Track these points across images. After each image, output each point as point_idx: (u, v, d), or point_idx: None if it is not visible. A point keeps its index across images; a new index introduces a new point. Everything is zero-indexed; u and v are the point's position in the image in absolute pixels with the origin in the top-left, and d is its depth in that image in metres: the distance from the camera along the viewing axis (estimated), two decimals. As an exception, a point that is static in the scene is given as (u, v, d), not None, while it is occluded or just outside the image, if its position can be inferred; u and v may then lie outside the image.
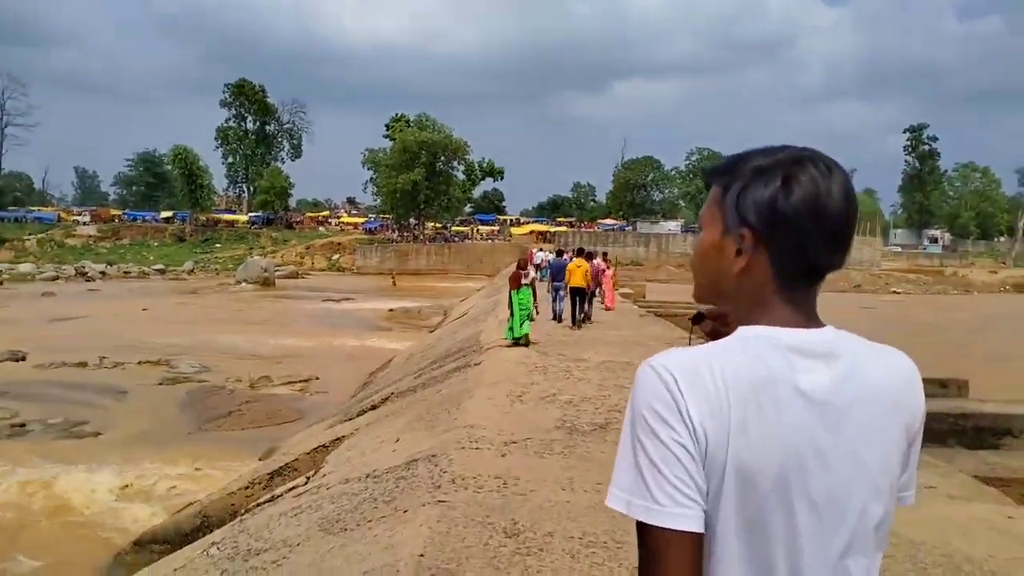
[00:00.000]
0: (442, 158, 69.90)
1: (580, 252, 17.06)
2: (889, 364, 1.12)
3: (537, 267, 25.97)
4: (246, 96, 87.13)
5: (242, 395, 15.99)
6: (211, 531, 7.14)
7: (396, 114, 79.87)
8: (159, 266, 59.71)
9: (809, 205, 1.07)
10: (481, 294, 33.12)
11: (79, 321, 27.54)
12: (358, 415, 10.39)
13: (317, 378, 17.82)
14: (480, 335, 14.63)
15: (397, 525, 4.25)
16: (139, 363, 19.15)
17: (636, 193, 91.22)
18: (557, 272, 16.62)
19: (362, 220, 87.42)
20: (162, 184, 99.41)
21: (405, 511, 4.49)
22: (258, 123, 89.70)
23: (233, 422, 13.94)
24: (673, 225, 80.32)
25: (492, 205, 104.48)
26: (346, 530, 4.50)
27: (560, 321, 15.88)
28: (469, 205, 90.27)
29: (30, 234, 69.55)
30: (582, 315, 15.59)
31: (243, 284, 46.82)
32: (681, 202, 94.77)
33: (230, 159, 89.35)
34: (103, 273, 54.17)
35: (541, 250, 36.73)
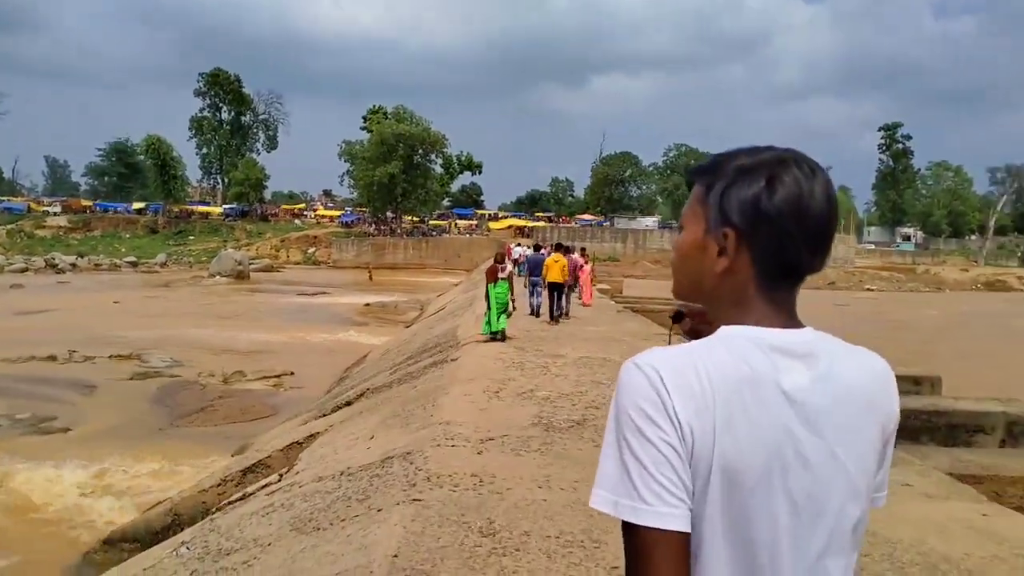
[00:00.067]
0: (420, 151, 69.45)
1: (559, 247, 17.02)
2: (864, 365, 1.12)
3: (515, 262, 25.93)
4: (221, 86, 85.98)
5: (215, 390, 15.78)
6: (182, 529, 7.02)
7: (373, 106, 79.26)
8: (131, 258, 58.77)
9: (792, 206, 1.07)
10: (459, 289, 33.03)
11: (48, 314, 27.05)
12: (333, 411, 10.28)
13: (292, 373, 17.63)
14: (457, 330, 14.55)
15: (371, 525, 4.17)
16: (110, 357, 18.84)
17: (614, 189, 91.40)
18: (535, 267, 16.60)
19: (338, 213, 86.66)
20: (135, 175, 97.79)
21: (379, 510, 4.42)
22: (233, 113, 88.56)
23: (205, 418, 13.75)
24: (650, 221, 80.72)
25: (470, 199, 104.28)
26: (319, 529, 4.41)
27: (537, 316, 15.86)
28: (447, 199, 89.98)
29: (-1, 225, 68.29)
30: (560, 311, 15.56)
31: (217, 277, 46.27)
32: (658, 198, 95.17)
33: (204, 150, 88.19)
34: (74, 265, 53.19)
35: (519, 245, 36.64)
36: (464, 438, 5.96)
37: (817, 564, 1.06)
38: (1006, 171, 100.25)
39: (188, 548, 5.01)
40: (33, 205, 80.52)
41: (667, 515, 0.98)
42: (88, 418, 13.55)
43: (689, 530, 1.00)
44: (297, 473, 6.53)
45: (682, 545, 0.99)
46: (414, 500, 4.43)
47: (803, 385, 1.05)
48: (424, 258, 65.16)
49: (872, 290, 53.72)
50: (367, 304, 34.57)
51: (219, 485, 7.89)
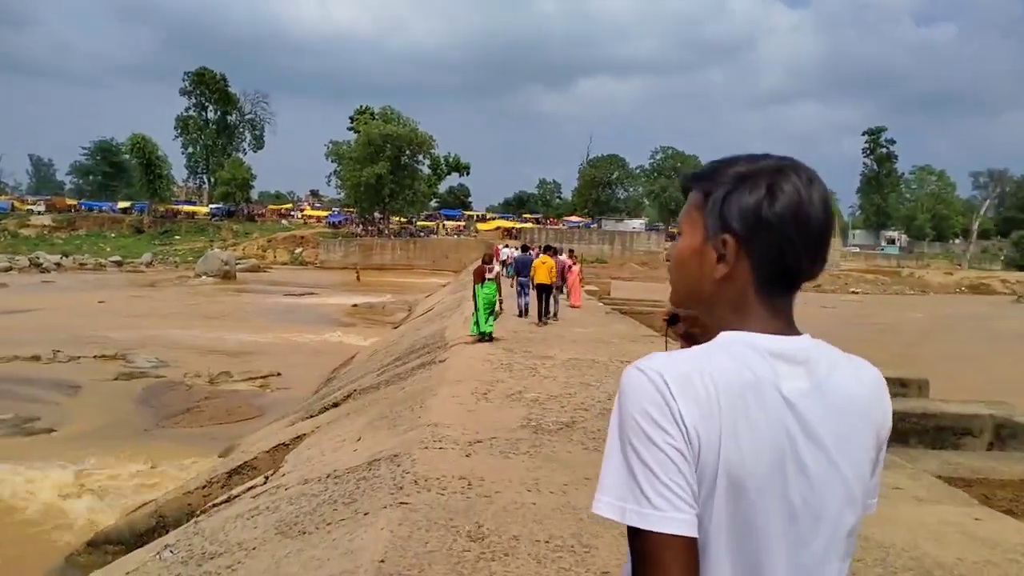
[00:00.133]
0: (407, 152, 69.27)
1: (547, 249, 17.02)
2: (860, 373, 1.13)
3: (503, 263, 25.89)
4: (207, 85, 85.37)
5: (201, 391, 15.64)
6: (167, 531, 6.93)
7: (361, 106, 78.99)
8: (116, 258, 58.29)
9: (792, 213, 1.08)
10: (446, 290, 32.94)
11: (32, 314, 26.74)
12: (320, 413, 10.19)
13: (278, 374, 17.50)
14: (445, 331, 14.50)
15: (357, 529, 4.11)
16: (94, 357, 18.65)
17: (601, 191, 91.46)
18: (523, 267, 16.59)
19: (326, 213, 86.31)
20: (120, 174, 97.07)
21: (366, 514, 4.36)
22: (219, 113, 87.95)
23: (191, 419, 13.62)
24: (637, 223, 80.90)
25: (458, 200, 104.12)
26: (304, 533, 4.34)
27: (525, 316, 15.83)
28: (435, 200, 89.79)
29: (-19, 224, 67.53)
30: (549, 313, 15.54)
31: (203, 277, 45.99)
32: (645, 200, 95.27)
33: (190, 149, 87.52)
34: (58, 264, 52.74)
35: (507, 246, 36.61)
36: (452, 440, 5.91)
37: (814, 570, 1.06)
38: (988, 175, 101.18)
39: (172, 551, 4.93)
40: (17, 204, 79.63)
41: (677, 520, 0.97)
42: (72, 419, 13.39)
43: (697, 535, 0.98)
44: (283, 475, 6.46)
45: (691, 550, 0.98)
46: (401, 503, 4.37)
47: (803, 392, 1.05)
48: (412, 259, 65.02)
49: (857, 293, 54.05)
50: (355, 305, 34.44)
51: (204, 487, 7.79)
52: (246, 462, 8.03)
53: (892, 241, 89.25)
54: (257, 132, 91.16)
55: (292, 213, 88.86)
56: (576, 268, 20.29)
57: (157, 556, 5.00)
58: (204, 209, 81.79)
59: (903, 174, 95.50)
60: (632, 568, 1.00)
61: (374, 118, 74.02)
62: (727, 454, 0.99)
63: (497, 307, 12.70)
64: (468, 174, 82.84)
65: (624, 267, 62.44)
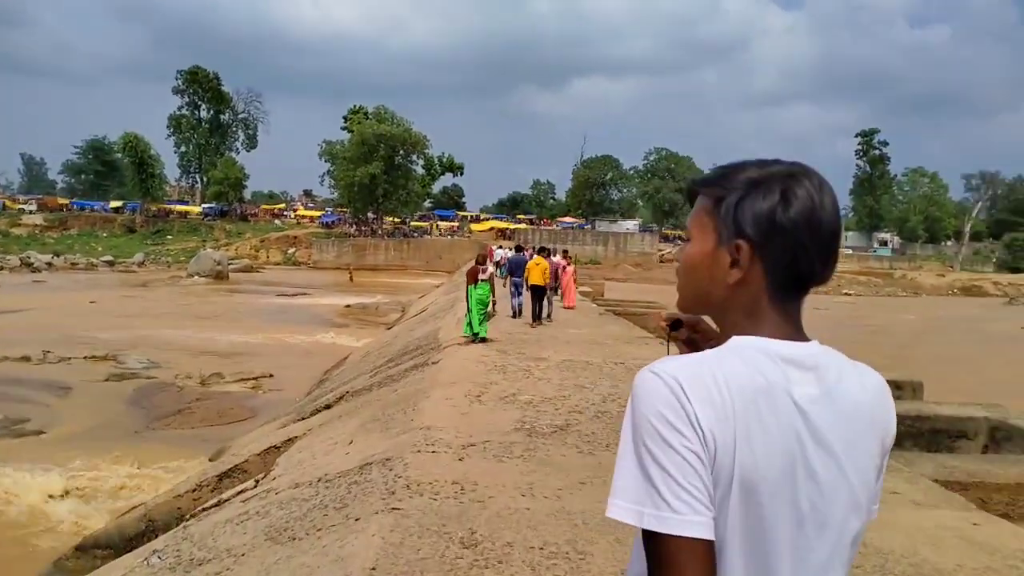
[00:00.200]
0: (401, 152, 69.19)
1: (541, 250, 16.99)
2: (866, 380, 1.14)
3: (497, 264, 25.83)
4: (200, 84, 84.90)
5: (192, 392, 15.54)
6: (156, 536, 6.85)
7: (354, 106, 78.79)
8: (108, 258, 57.96)
9: (806, 218, 1.09)
10: (440, 291, 32.87)
11: (23, 314, 26.54)
12: (312, 415, 10.11)
13: (271, 375, 17.41)
14: (439, 332, 14.43)
15: (348, 535, 4.04)
16: (85, 358, 18.52)
17: (595, 192, 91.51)
18: (516, 268, 16.54)
19: (319, 213, 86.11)
20: (112, 173, 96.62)
21: (357, 519, 4.29)
22: (212, 112, 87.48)
23: (182, 420, 13.51)
24: (631, 224, 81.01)
25: (452, 201, 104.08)
26: (294, 539, 4.27)
27: (519, 317, 15.78)
28: (428, 200, 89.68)
29: (-28, 223, 67.09)
30: (543, 313, 15.48)
31: (195, 277, 45.81)
32: (639, 201, 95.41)
33: (183, 148, 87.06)
34: (49, 264, 52.38)
35: (501, 247, 36.57)
36: (445, 444, 5.84)
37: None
38: (980, 178, 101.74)
39: (160, 557, 4.85)
40: (8, 203, 79.20)
41: (696, 523, 0.97)
42: (62, 420, 13.29)
43: (714, 538, 0.98)
44: (274, 479, 6.38)
45: (709, 553, 0.98)
46: (393, 509, 4.30)
47: (813, 398, 1.06)
48: (405, 259, 64.89)
49: (850, 295, 54.17)
50: (347, 305, 34.35)
51: (194, 490, 7.71)
52: (237, 465, 7.94)
53: (885, 243, 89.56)
54: (250, 131, 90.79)
55: (285, 213, 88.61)
56: (571, 269, 20.25)
57: (145, 562, 4.92)
58: (197, 209, 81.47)
59: (896, 176, 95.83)
60: (649, 572, 0.99)
61: (368, 118, 73.85)
62: (742, 457, 1.00)
63: (490, 308, 12.65)
64: (462, 174, 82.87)
65: (618, 268, 62.48)
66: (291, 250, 68.14)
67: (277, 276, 51.97)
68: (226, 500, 6.41)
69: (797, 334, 1.12)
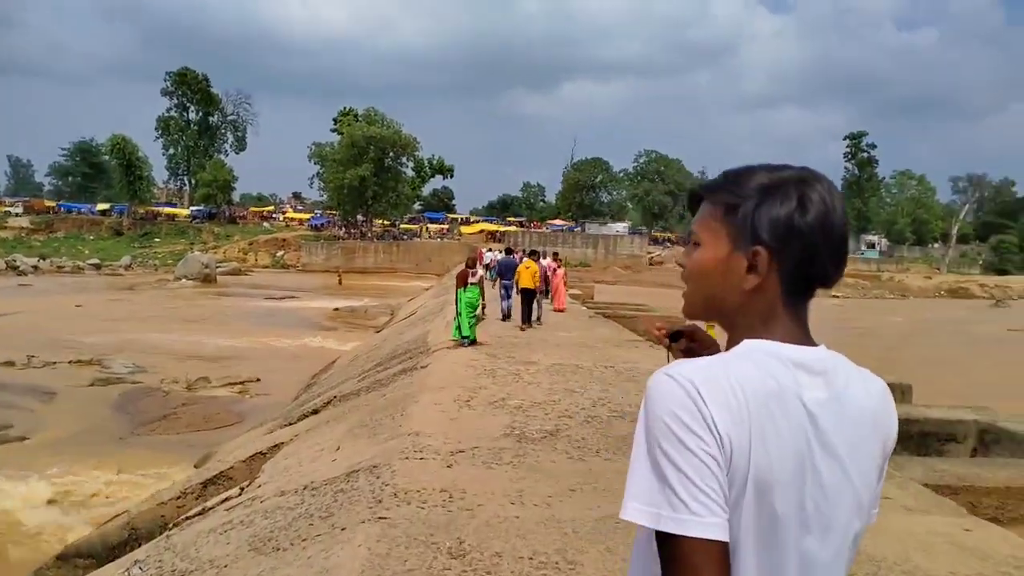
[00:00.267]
0: (391, 154, 69.03)
1: (532, 254, 16.95)
2: (869, 386, 1.14)
3: (487, 267, 25.77)
4: (188, 85, 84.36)
5: (178, 397, 15.39)
6: (139, 545, 6.74)
7: (344, 108, 78.48)
8: (95, 261, 57.61)
9: (820, 222, 1.11)
10: (429, 293, 32.75)
11: (8, 317, 26.25)
12: (299, 420, 10.00)
13: (258, 380, 17.27)
14: (428, 336, 14.34)
15: (333, 545, 3.96)
16: (70, 363, 18.33)
17: (585, 194, 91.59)
18: (506, 270, 16.50)
19: (308, 216, 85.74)
20: (99, 175, 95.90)
21: (343, 529, 4.21)
22: (201, 113, 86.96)
23: (168, 426, 13.37)
24: (621, 227, 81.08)
25: (442, 203, 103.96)
26: (278, 550, 4.19)
27: (508, 319, 15.73)
28: (418, 203, 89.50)
29: (-43, 225, 66.51)
30: (533, 316, 15.43)
31: (183, 280, 45.51)
32: (629, 204, 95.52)
33: (171, 150, 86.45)
34: (35, 267, 52.00)
35: (491, 250, 36.50)
36: (433, 450, 5.77)
37: None
38: (967, 180, 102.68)
39: (141, 568, 4.76)
40: (-6, 206, 78.56)
41: (714, 525, 0.97)
42: (47, 426, 13.14)
43: (729, 540, 0.99)
44: (259, 487, 6.28)
45: (725, 555, 0.98)
46: (380, 518, 4.23)
47: (822, 402, 1.07)
48: (395, 262, 64.71)
49: (838, 297, 54.32)
50: (336, 309, 34.21)
51: (179, 498, 7.59)
52: (222, 472, 7.83)
53: (872, 245, 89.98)
54: (239, 133, 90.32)
55: (274, 215, 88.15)
56: (561, 272, 20.20)
57: (126, 573, 4.83)
58: (185, 211, 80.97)
59: (884, 178, 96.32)
60: (664, 574, 0.99)
61: (357, 120, 73.63)
62: (756, 459, 1.00)
63: (480, 311, 12.59)
64: (452, 176, 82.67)
65: (607, 271, 62.52)
66: (280, 253, 67.83)
67: (265, 279, 51.69)
68: (210, 508, 6.31)
69: (806, 338, 1.13)
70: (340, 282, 49.97)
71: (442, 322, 15.68)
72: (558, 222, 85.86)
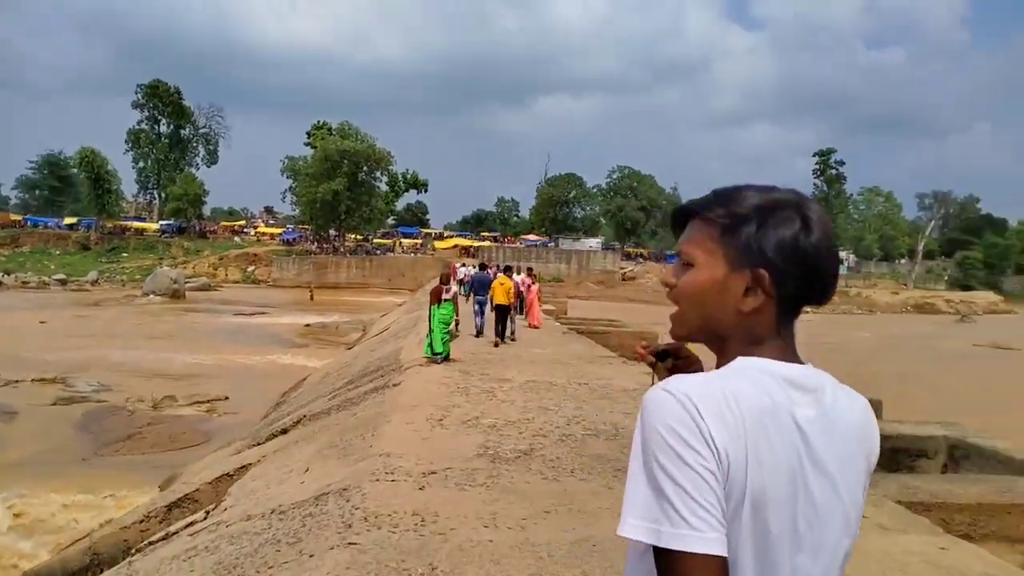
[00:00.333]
0: (364, 168, 68.76)
1: (506, 269, 16.90)
2: (854, 403, 1.15)
3: (460, 282, 25.67)
4: (160, 98, 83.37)
5: (144, 416, 15.08)
6: (101, 571, 6.56)
7: (318, 121, 78.00)
8: (60, 276, 56.57)
9: (822, 243, 1.12)
10: (403, 309, 32.54)
11: (-33, 334, 25.68)
12: (267, 440, 9.80)
13: (226, 398, 16.99)
14: (400, 352, 14.19)
15: (301, 573, 3.84)
16: (33, 381, 17.94)
17: (558, 210, 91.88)
18: (480, 287, 16.42)
19: (280, 231, 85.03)
20: (67, 188, 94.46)
21: (311, 556, 4.09)
22: (172, 126, 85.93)
23: (133, 446, 13.09)
24: (594, 242, 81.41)
25: (415, 218, 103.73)
26: (244, 579, 4.06)
27: (482, 336, 15.64)
28: (392, 217, 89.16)
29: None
30: (506, 333, 15.35)
31: (151, 296, 44.82)
32: (602, 219, 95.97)
33: (141, 163, 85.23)
34: (-1, 283, 51.00)
35: (464, 265, 36.41)
36: (405, 472, 5.66)
37: None
38: (933, 197, 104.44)
39: (100, 598, 4.59)
40: (-43, 219, 76.90)
41: (714, 540, 0.96)
42: (7, 446, 12.83)
43: (727, 555, 0.98)
44: (225, 510, 6.11)
45: (724, 570, 0.97)
46: (349, 544, 4.11)
47: (812, 419, 1.07)
48: (368, 277, 64.34)
49: (807, 312, 54.94)
50: (307, 325, 33.91)
51: (142, 521, 7.38)
52: (187, 495, 7.63)
53: (840, 261, 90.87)
54: (211, 147, 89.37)
55: (245, 230, 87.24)
56: (535, 288, 20.12)
57: (85, 602, 4.65)
58: (154, 225, 79.90)
59: (852, 195, 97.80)
60: None
61: (331, 133, 73.30)
62: (752, 474, 1.00)
63: (453, 328, 12.47)
64: (426, 191, 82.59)
65: (581, 286, 62.66)
66: (251, 268, 67.15)
67: (236, 295, 51.10)
68: (174, 533, 6.13)
69: (794, 356, 1.14)
70: (312, 297, 49.56)
71: (415, 338, 15.54)
72: (532, 237, 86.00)
